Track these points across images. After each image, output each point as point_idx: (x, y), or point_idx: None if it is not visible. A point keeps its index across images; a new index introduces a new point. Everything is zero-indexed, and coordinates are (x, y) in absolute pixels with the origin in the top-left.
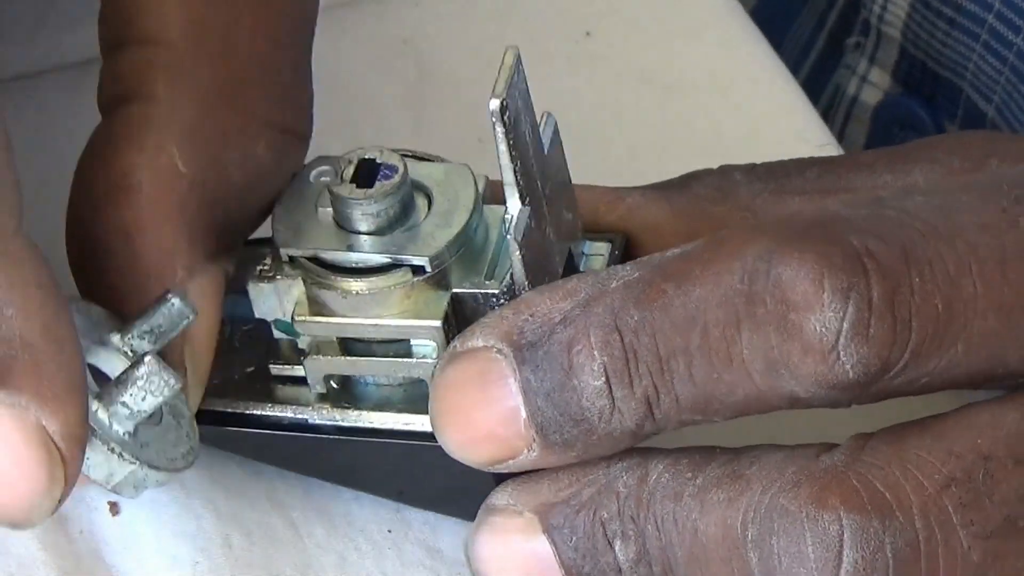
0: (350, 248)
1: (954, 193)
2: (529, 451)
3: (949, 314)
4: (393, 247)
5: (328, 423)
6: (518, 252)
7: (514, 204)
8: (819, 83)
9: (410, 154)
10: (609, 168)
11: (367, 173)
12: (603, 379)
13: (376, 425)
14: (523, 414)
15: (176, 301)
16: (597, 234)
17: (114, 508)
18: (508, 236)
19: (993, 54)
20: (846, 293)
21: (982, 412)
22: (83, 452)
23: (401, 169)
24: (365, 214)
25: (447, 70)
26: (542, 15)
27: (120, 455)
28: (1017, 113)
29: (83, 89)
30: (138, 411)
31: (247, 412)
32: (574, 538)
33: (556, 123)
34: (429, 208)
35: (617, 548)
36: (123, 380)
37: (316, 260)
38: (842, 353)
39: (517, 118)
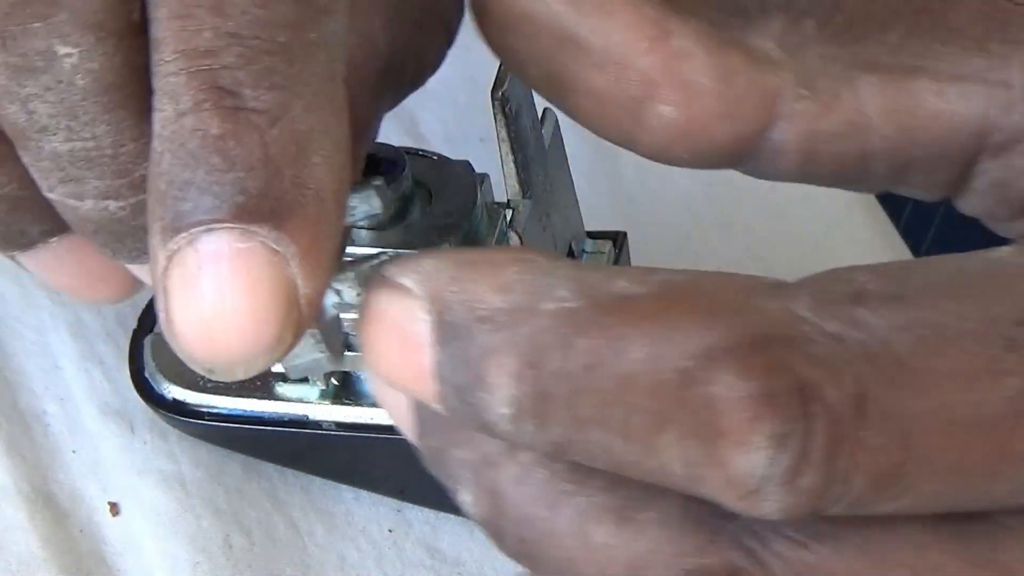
0: (350, 244)
1: (951, 317)
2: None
3: (897, 475)
4: (393, 243)
5: (329, 419)
6: (519, 245)
7: (515, 197)
8: None
9: (410, 151)
10: (609, 167)
11: (366, 169)
12: (512, 411)
13: (377, 421)
14: (433, 387)
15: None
16: (599, 232)
17: (114, 508)
18: (509, 230)
19: None
20: (782, 440)
21: None
22: (311, 323)
23: (400, 165)
24: (364, 210)
25: (447, 69)
26: None
27: (314, 339)
28: None
29: None
30: (346, 304)
31: (247, 409)
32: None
33: (557, 119)
34: (429, 204)
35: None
36: (347, 268)
37: None
38: (765, 497)
39: (519, 111)
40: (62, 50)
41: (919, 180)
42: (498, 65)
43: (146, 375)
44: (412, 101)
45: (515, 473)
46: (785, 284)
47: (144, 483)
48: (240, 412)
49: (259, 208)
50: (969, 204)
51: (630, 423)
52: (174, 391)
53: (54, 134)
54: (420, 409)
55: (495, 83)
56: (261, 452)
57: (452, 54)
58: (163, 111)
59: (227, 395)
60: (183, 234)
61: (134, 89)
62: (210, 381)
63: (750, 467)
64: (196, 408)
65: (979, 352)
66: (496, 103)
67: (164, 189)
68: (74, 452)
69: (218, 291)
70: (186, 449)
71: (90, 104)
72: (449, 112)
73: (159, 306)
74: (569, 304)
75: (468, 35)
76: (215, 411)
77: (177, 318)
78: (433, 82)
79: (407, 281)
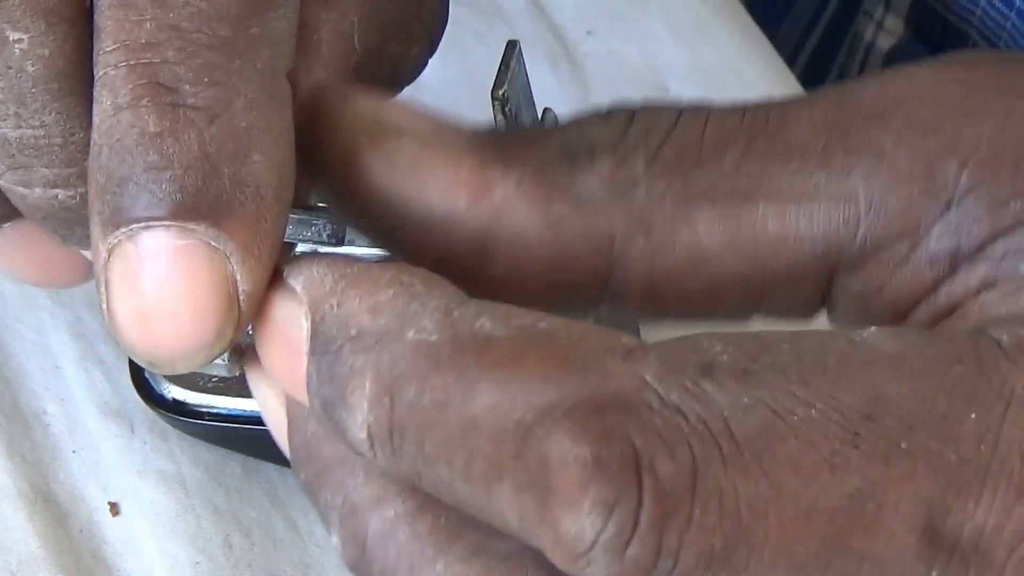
0: (350, 243)
1: (798, 402)
2: None
3: (727, 555)
4: None
5: None
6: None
7: None
8: (839, 32)
9: None
10: None
11: None
12: (366, 436)
13: None
14: (306, 396)
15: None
16: None
17: (114, 508)
18: None
19: None
20: (610, 507)
21: None
22: (252, 320)
23: None
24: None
25: (447, 69)
26: (543, 15)
27: None
28: None
29: None
30: None
31: (248, 409)
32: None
33: (556, 119)
34: None
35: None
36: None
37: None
38: (593, 562)
39: (518, 111)
40: (12, 35)
41: (778, 304)
42: (498, 65)
43: (146, 375)
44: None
45: (380, 528)
46: (640, 347)
47: (144, 483)
48: (240, 412)
49: (197, 206)
50: (839, 317)
51: (472, 467)
52: (174, 391)
53: (3, 120)
54: (293, 436)
55: (495, 83)
56: (261, 452)
57: (452, 54)
58: (102, 104)
59: (227, 395)
60: (123, 229)
61: (84, 76)
62: (210, 381)
63: (577, 530)
64: (196, 408)
65: (822, 444)
66: (496, 103)
67: (103, 183)
68: (74, 452)
69: (157, 286)
70: (186, 449)
71: (40, 91)
72: (449, 112)
73: (100, 297)
74: (430, 337)
75: (468, 35)
76: (215, 411)
77: (118, 310)
78: (433, 82)
79: (295, 284)
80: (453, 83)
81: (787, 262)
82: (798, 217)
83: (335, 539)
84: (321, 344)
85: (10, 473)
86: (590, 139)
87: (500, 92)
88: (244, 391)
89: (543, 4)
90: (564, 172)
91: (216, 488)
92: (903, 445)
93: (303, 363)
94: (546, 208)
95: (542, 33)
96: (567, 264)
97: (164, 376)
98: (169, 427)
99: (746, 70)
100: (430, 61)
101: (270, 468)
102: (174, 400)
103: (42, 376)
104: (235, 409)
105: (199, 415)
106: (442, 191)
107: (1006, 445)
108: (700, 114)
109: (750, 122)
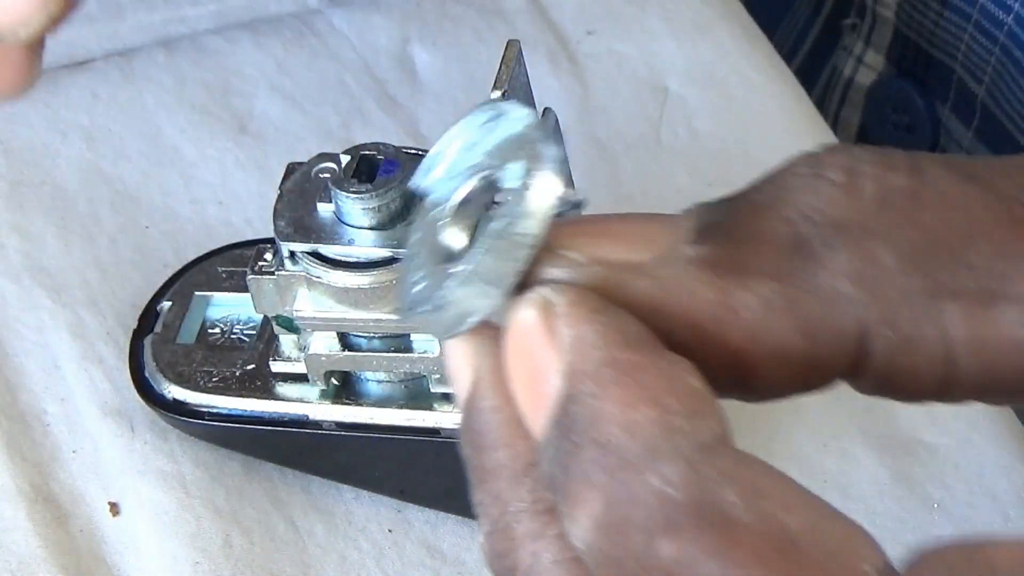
0: (351, 243)
1: None
2: None
3: None
4: (394, 242)
5: (329, 419)
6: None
7: None
8: (816, 65)
9: (411, 150)
10: (609, 167)
11: (368, 169)
12: (579, 540)
13: (377, 421)
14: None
15: None
16: None
17: (114, 508)
18: None
19: (984, 34)
20: None
21: None
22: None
23: (401, 164)
24: (366, 209)
25: (448, 69)
26: (543, 15)
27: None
28: (1007, 94)
29: (86, 86)
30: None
31: (247, 409)
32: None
33: (556, 119)
34: None
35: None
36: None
37: (317, 255)
38: None
39: None
40: None
41: (1002, 398)
42: (498, 65)
43: (146, 375)
44: (412, 101)
45: (530, 551)
46: (910, 562)
47: (144, 483)
48: (240, 412)
49: None
50: None
51: None
52: (174, 391)
53: None
54: (471, 417)
55: (495, 83)
56: (261, 452)
57: (452, 54)
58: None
59: (227, 395)
60: None
61: None
62: (210, 381)
63: None
64: (196, 408)
65: None
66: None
67: None
68: (74, 452)
69: None
70: (186, 449)
71: None
72: (449, 112)
73: None
74: (672, 492)
75: (467, 35)
76: (215, 411)
77: None
78: (434, 82)
79: (563, 327)
80: (453, 83)
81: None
82: None
83: (481, 533)
84: (565, 425)
85: (10, 473)
86: (819, 222)
87: (500, 92)
88: (244, 391)
89: (543, 4)
90: (805, 270)
91: (216, 488)
92: None
93: (540, 409)
94: (799, 318)
95: (542, 33)
96: (821, 361)
97: (164, 375)
98: (169, 427)
99: (746, 70)
100: (430, 61)
101: (270, 468)
102: (174, 400)
103: (42, 376)
104: (235, 409)
105: (199, 415)
106: (687, 326)
107: None
108: (939, 188)
109: (996, 208)
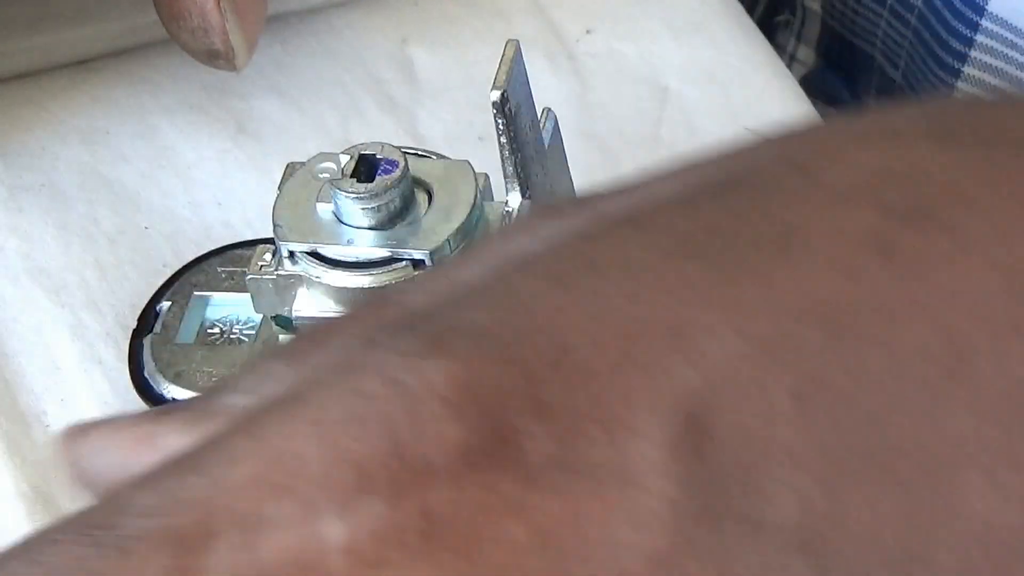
0: (350, 243)
1: None
2: None
3: None
4: (393, 241)
5: None
6: None
7: (515, 197)
8: None
9: (410, 151)
10: (609, 167)
11: (367, 168)
12: None
13: None
14: None
15: None
16: None
17: None
18: None
19: (898, 18)
20: None
21: None
22: None
23: (401, 164)
24: (365, 209)
25: (447, 69)
26: (542, 13)
27: None
28: (920, 77)
29: (84, 87)
30: None
31: None
32: None
33: (556, 119)
34: (429, 203)
35: None
36: None
37: (316, 255)
38: None
39: (518, 110)
40: None
41: None
42: (498, 65)
43: (146, 375)
44: (412, 101)
45: None
46: None
47: None
48: None
49: None
50: None
51: None
52: (174, 391)
53: None
54: None
55: (495, 83)
56: None
57: (451, 54)
58: None
59: None
60: None
61: None
62: (209, 381)
63: None
64: None
65: None
66: (496, 103)
67: None
68: None
69: None
70: None
71: None
72: (449, 112)
73: None
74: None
75: (467, 35)
76: None
77: None
78: (433, 82)
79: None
80: (452, 83)
81: None
82: None
83: None
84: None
85: (10, 474)
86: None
87: (500, 92)
88: None
89: (542, 3)
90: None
91: None
92: None
93: None
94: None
95: (541, 32)
96: None
97: (164, 375)
98: None
99: (746, 70)
100: (429, 61)
101: None
102: (173, 400)
103: (42, 377)
104: None
105: None
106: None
107: None
108: None
109: None
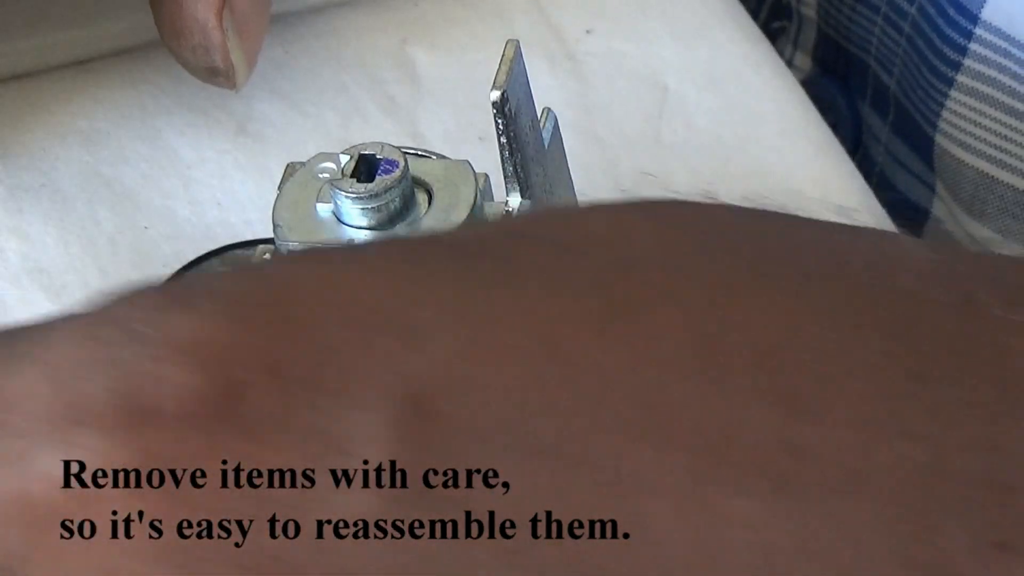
0: (350, 243)
1: None
2: None
3: None
4: None
5: None
6: None
7: (514, 198)
8: None
9: (410, 151)
10: (609, 167)
11: (367, 168)
12: None
13: None
14: None
15: None
16: None
17: None
18: None
19: (892, 26)
20: None
21: None
22: None
23: (401, 164)
24: (365, 209)
25: (447, 69)
26: (542, 14)
27: None
28: (914, 85)
29: (84, 88)
30: None
31: None
32: None
33: (556, 119)
34: (429, 203)
35: None
36: None
37: None
38: None
39: (518, 110)
40: None
41: None
42: (498, 65)
43: None
44: (412, 101)
45: None
46: None
47: None
48: None
49: None
50: None
51: None
52: None
53: None
54: None
55: (495, 83)
56: None
57: (451, 54)
58: None
59: None
60: None
61: None
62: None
63: None
64: None
65: None
66: (495, 103)
67: None
68: None
69: None
70: None
71: None
72: (449, 112)
73: None
74: None
75: (467, 36)
76: None
77: None
78: (433, 82)
79: None
80: (452, 83)
81: None
82: None
83: None
84: None
85: None
86: None
87: (500, 92)
88: None
89: (542, 3)
90: None
91: None
92: None
93: None
94: None
95: (541, 32)
96: None
97: None
98: None
99: (746, 70)
100: (429, 61)
101: None
102: None
103: None
104: None
105: None
106: None
107: None
108: None
109: None
